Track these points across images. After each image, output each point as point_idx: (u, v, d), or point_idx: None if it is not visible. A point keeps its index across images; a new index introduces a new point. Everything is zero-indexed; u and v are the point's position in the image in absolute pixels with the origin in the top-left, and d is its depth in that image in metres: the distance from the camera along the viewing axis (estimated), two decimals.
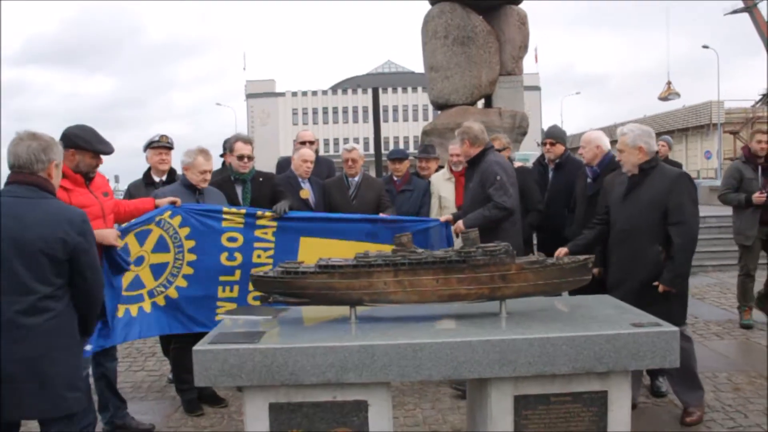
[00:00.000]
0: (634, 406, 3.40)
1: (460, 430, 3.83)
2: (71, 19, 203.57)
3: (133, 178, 4.96)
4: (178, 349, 4.24)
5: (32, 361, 2.53)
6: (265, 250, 4.29)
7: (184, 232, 4.07)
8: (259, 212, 4.28)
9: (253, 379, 2.48)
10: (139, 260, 3.91)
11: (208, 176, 4.33)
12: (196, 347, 2.53)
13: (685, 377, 3.82)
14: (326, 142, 59.76)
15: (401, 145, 54.46)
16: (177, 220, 4.05)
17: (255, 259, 4.23)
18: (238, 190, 4.67)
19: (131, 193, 4.73)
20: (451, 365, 2.49)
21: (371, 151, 11.60)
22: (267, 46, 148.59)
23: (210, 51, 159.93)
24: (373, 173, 9.22)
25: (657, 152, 3.89)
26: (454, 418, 4.05)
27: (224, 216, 4.19)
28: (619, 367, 2.54)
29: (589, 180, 4.74)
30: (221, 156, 5.63)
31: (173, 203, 4.04)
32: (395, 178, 5.49)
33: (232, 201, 4.56)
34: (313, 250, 4.18)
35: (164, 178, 4.82)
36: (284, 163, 5.83)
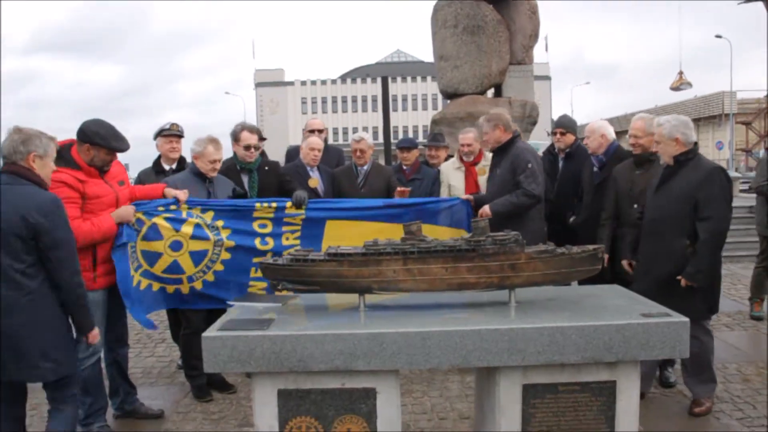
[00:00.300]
0: (642, 396, 3.39)
1: (468, 418, 3.85)
2: (79, 6, 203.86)
3: (143, 166, 4.99)
4: (187, 335, 4.28)
5: (11, 330, 2.79)
6: (293, 232, 4.34)
7: (220, 223, 4.16)
8: (288, 203, 4.30)
9: (262, 366, 2.50)
10: (177, 245, 4.01)
11: (218, 165, 4.36)
12: (205, 334, 2.54)
13: (701, 370, 3.81)
14: (335, 131, 59.65)
15: (410, 134, 54.26)
16: (209, 215, 4.14)
17: (284, 242, 4.29)
18: (245, 179, 4.69)
19: (141, 180, 4.76)
20: (460, 354, 2.49)
21: (380, 140, 11.55)
22: (276, 34, 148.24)
23: (219, 39, 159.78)
24: (382, 162, 9.20)
25: (696, 143, 3.77)
26: (462, 406, 4.06)
27: (256, 207, 4.26)
28: (628, 357, 2.53)
29: (595, 169, 4.75)
30: None
31: (177, 198, 4.04)
32: (404, 167, 5.48)
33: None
34: (338, 232, 4.25)
35: (174, 166, 4.85)
36: (293, 152, 5.83)
